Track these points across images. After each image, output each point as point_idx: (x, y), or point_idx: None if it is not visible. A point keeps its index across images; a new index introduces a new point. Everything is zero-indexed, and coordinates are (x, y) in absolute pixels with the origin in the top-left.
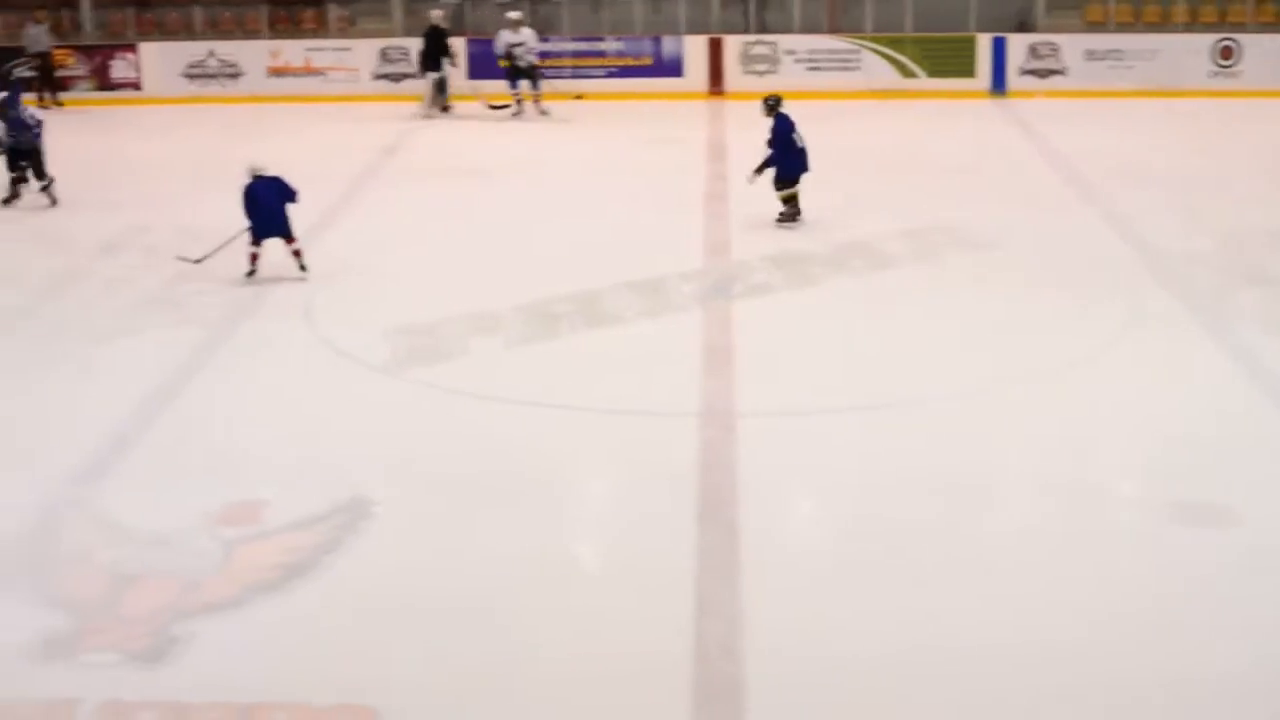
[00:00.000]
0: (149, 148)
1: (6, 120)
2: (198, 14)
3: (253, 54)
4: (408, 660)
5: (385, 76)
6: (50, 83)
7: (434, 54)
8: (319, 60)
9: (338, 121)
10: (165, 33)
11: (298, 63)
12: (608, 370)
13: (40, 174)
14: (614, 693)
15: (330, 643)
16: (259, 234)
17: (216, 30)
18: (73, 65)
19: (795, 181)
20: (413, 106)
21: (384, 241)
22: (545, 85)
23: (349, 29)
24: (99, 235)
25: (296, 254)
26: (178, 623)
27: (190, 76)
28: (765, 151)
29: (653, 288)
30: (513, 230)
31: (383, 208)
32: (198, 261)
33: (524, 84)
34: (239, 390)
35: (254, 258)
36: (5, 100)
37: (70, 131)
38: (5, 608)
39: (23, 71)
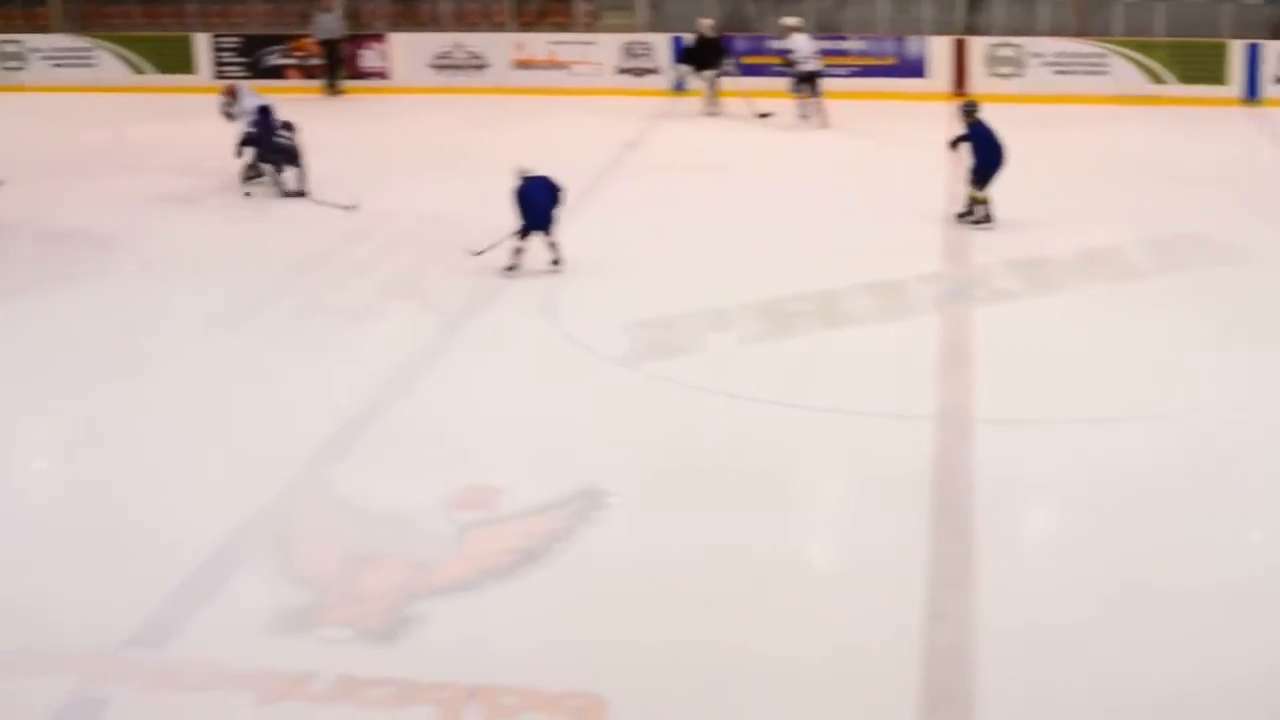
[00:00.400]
0: (395, 136)
1: (267, 126)
2: (446, 6)
3: (498, 46)
4: (635, 650)
5: (628, 71)
6: (336, 69)
7: (706, 57)
8: (563, 54)
9: (580, 115)
10: (414, 24)
11: (542, 56)
12: (843, 370)
13: (290, 169)
14: (839, 695)
15: (560, 630)
16: (527, 231)
17: (464, 23)
18: (324, 55)
19: (989, 182)
20: (661, 102)
21: (624, 235)
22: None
23: (594, 23)
24: (345, 221)
25: (553, 247)
26: (411, 603)
27: (437, 67)
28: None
29: (891, 289)
30: (751, 228)
31: (623, 202)
32: (479, 253)
33: (804, 87)
34: (478, 377)
35: (517, 252)
36: (261, 109)
37: (320, 118)
38: (248, 581)
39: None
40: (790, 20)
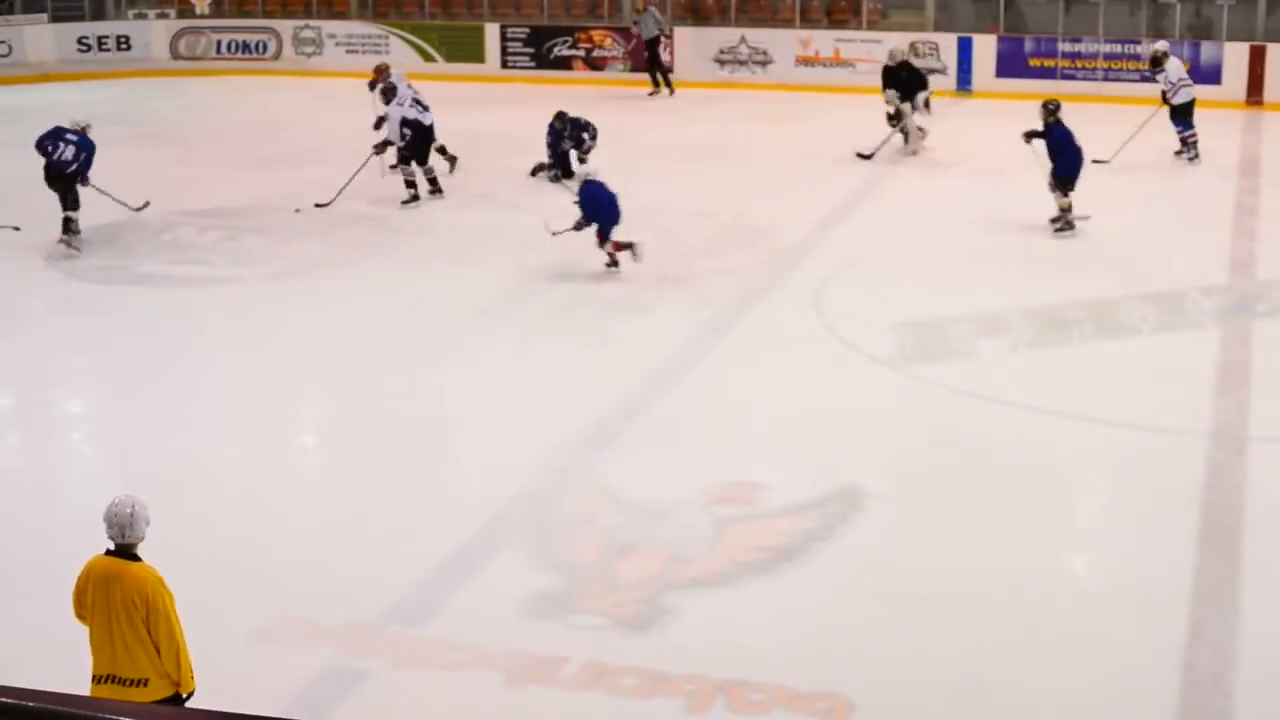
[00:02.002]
0: (675, 130)
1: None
2: (732, 1)
3: (783, 43)
4: (887, 656)
5: None
6: (659, 66)
7: (904, 86)
8: (848, 51)
9: (861, 113)
10: (700, 18)
11: (827, 53)
12: (1116, 382)
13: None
14: (1095, 715)
15: (813, 629)
16: (607, 232)
17: (749, 17)
18: (610, 47)
19: (1072, 187)
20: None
21: (898, 235)
22: None
23: (880, 21)
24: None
25: (623, 247)
26: (665, 594)
27: (721, 62)
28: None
29: (1170, 300)
30: (1027, 231)
31: (900, 201)
32: (555, 234)
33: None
34: (744, 372)
35: (616, 247)
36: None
37: (604, 111)
38: (506, 565)
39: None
40: (1160, 45)
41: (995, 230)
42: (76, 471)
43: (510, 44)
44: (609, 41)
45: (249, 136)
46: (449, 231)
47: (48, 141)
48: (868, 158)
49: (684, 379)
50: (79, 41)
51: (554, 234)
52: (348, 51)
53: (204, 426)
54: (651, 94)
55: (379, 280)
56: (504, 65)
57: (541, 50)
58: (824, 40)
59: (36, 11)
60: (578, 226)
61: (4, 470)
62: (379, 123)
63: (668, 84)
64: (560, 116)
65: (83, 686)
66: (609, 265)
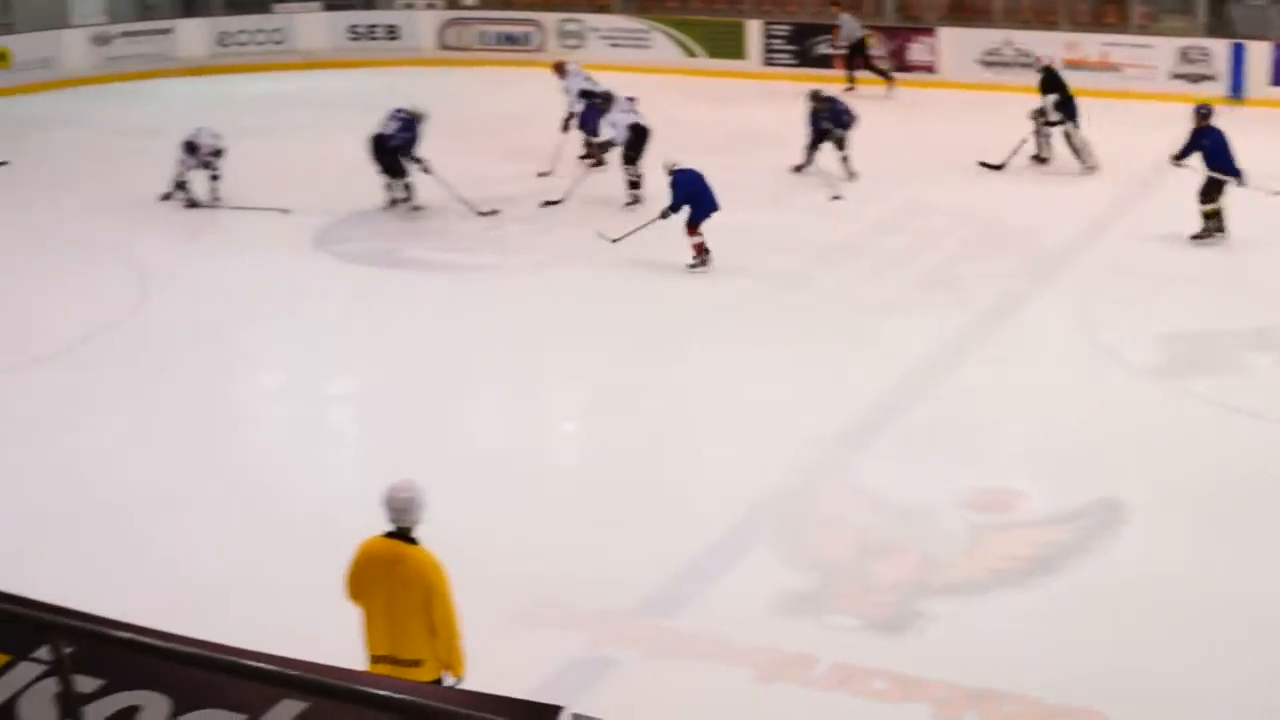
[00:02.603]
0: (937, 131)
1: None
2: (998, 1)
3: (1049, 45)
4: (1144, 674)
5: (1182, 77)
6: (869, 66)
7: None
8: (1116, 55)
9: (1127, 118)
10: (964, 18)
11: (1094, 57)
12: None
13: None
14: None
15: (1069, 642)
16: (698, 220)
17: (1015, 19)
18: (873, 46)
19: (1222, 193)
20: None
21: (1165, 245)
22: None
23: (1150, 25)
24: (878, 213)
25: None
26: (919, 598)
27: (986, 64)
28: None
29: None
30: None
31: (1165, 211)
32: (615, 241)
33: None
34: (1003, 377)
35: (699, 251)
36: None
37: (866, 111)
38: (760, 560)
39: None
40: None
41: (1265, 245)
42: (343, 451)
43: (773, 41)
44: (871, 40)
45: (511, 127)
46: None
47: (388, 117)
48: (998, 168)
49: (942, 382)
50: (350, 30)
51: (614, 241)
52: (611, 45)
53: (461, 413)
54: (848, 89)
55: (639, 273)
56: (766, 62)
57: (803, 47)
58: (1091, 44)
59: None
60: (664, 215)
61: (274, 447)
62: (567, 121)
63: (887, 77)
64: (815, 95)
65: (355, 664)
66: (694, 262)
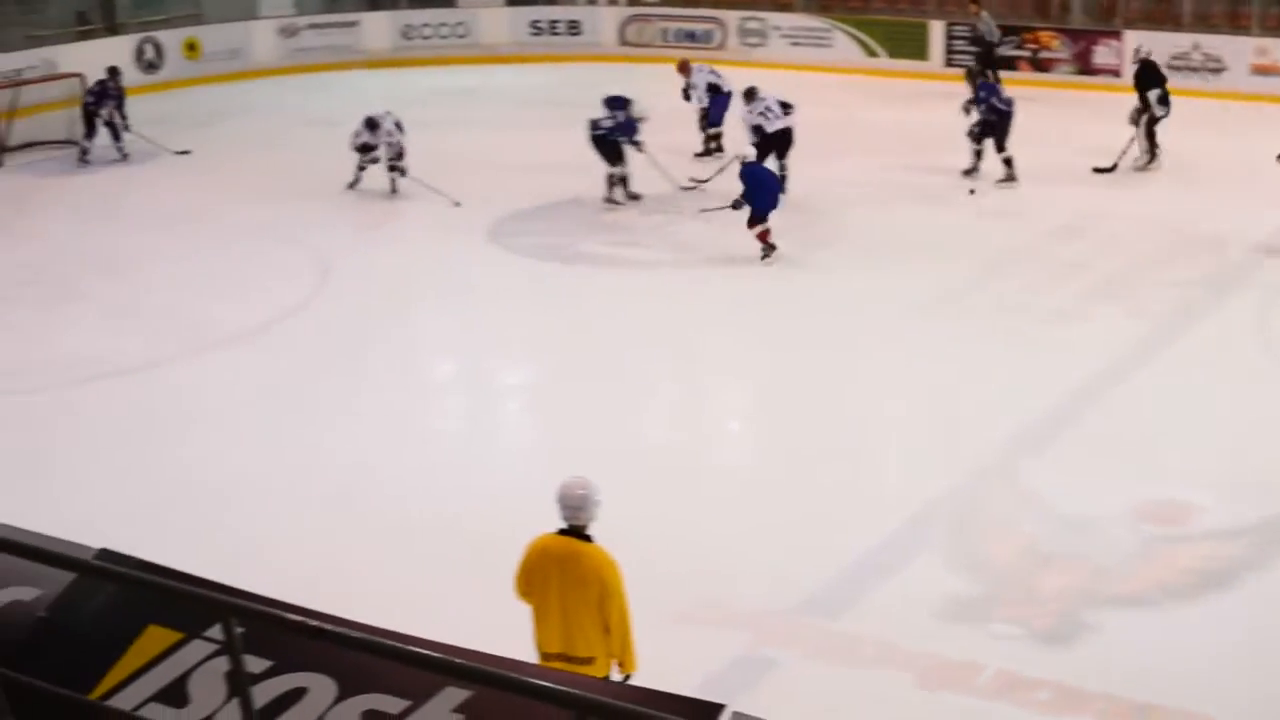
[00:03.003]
0: (1114, 136)
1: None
2: (1187, 5)
3: (1238, 50)
4: None
5: None
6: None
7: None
8: None
9: None
10: (1152, 22)
11: None
12: None
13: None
14: None
15: (1237, 660)
16: (762, 213)
17: (1204, 24)
18: (1057, 48)
19: None
20: None
21: None
22: None
23: None
24: (1055, 219)
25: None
26: (1085, 608)
27: (1172, 68)
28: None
29: None
30: None
31: None
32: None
33: None
34: (1180, 390)
35: (763, 237)
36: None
37: (1045, 114)
38: (925, 565)
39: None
40: None
41: None
42: (508, 444)
43: (955, 42)
44: (1056, 43)
45: (691, 123)
46: (884, 228)
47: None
48: (1109, 170)
49: (1117, 391)
50: (531, 25)
51: (703, 210)
52: (792, 44)
53: (628, 409)
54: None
55: (814, 274)
56: (948, 63)
57: (986, 49)
58: None
59: None
60: (735, 205)
61: (443, 437)
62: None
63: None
64: (970, 73)
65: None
66: (763, 253)
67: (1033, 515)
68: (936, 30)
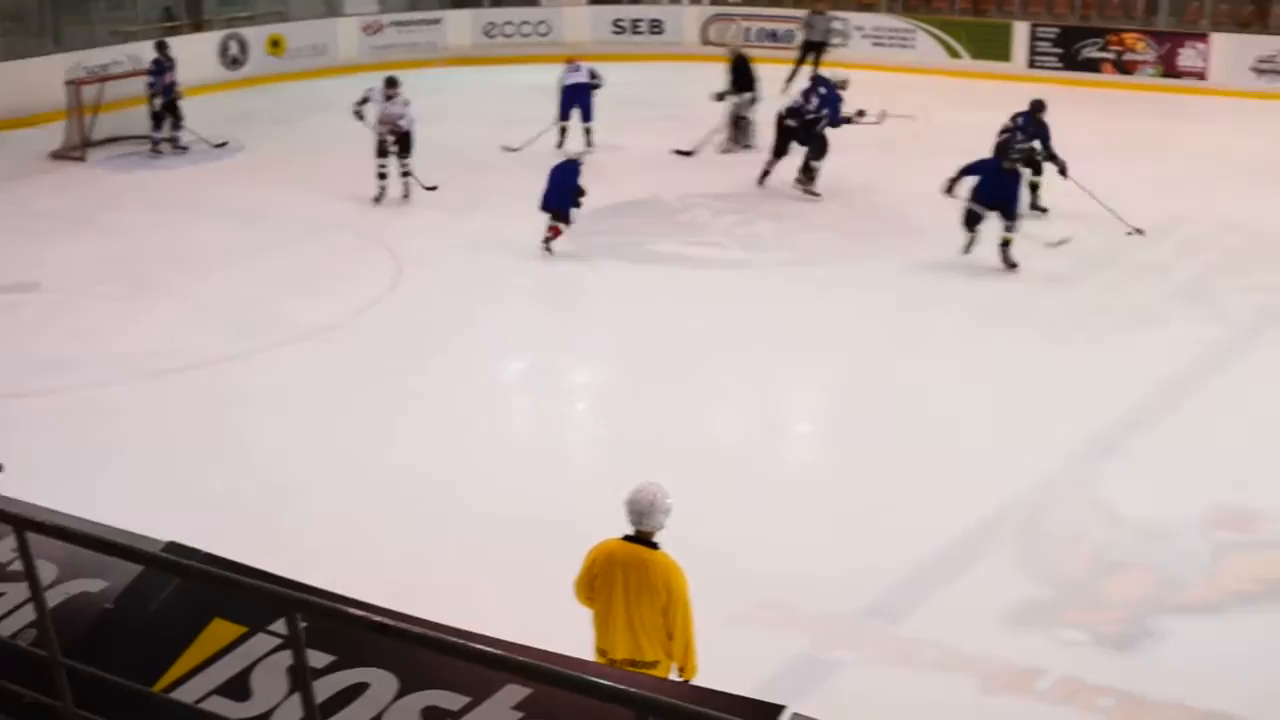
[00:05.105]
0: (1206, 139)
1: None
2: (1276, 8)
3: None
4: None
5: None
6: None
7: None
8: None
9: None
10: (1239, 25)
11: None
12: None
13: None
14: None
15: None
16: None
17: None
18: (1142, 50)
19: None
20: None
21: None
22: None
23: None
24: (1140, 219)
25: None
26: (1153, 616)
27: (1259, 71)
28: None
29: None
30: None
31: None
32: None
33: None
34: (1255, 396)
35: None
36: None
37: (1133, 116)
38: (991, 568)
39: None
40: None
41: None
42: (581, 444)
43: (1039, 44)
44: (1141, 45)
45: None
46: (959, 229)
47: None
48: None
49: (1191, 397)
50: (614, 23)
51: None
52: (874, 44)
53: (698, 410)
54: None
55: (888, 276)
56: (1031, 65)
57: (1070, 51)
58: None
59: None
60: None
61: (516, 437)
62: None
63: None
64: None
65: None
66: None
67: (1101, 521)
68: (1020, 31)
